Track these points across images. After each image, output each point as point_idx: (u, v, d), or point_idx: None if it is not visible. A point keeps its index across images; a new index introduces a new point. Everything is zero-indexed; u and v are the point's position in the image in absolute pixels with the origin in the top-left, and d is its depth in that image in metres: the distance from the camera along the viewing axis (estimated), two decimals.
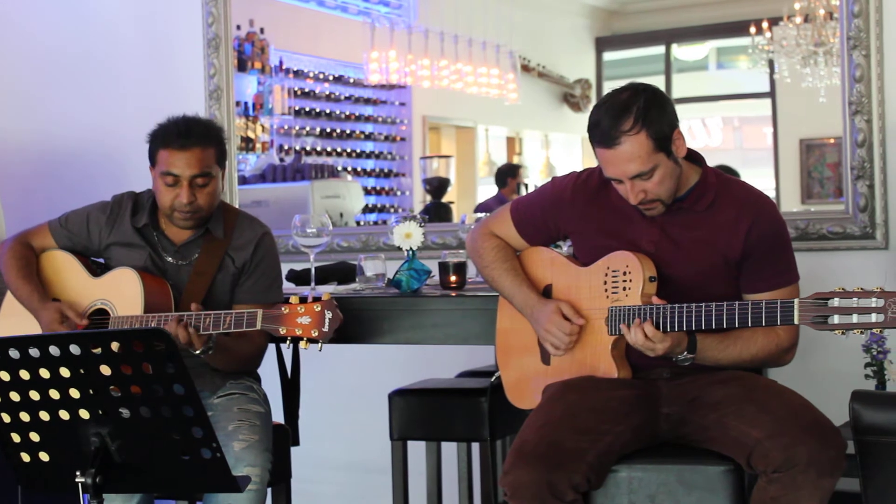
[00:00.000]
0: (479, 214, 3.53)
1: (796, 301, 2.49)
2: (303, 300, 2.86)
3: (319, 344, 2.85)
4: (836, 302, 2.45)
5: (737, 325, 2.59)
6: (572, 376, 2.80)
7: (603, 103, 2.70)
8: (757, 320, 2.55)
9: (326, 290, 3.45)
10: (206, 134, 3.12)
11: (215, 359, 3.04)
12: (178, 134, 3.09)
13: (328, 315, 2.83)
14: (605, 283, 2.78)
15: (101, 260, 3.29)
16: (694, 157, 2.81)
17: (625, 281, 2.74)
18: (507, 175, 6.95)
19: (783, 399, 2.62)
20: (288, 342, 2.88)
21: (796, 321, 2.49)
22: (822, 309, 2.46)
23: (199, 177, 3.08)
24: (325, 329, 2.83)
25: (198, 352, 2.95)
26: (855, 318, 2.43)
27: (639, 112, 2.63)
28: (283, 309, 2.86)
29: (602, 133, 2.66)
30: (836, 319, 2.44)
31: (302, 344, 2.85)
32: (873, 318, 2.41)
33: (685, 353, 2.67)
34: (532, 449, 2.57)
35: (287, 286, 3.71)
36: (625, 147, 2.63)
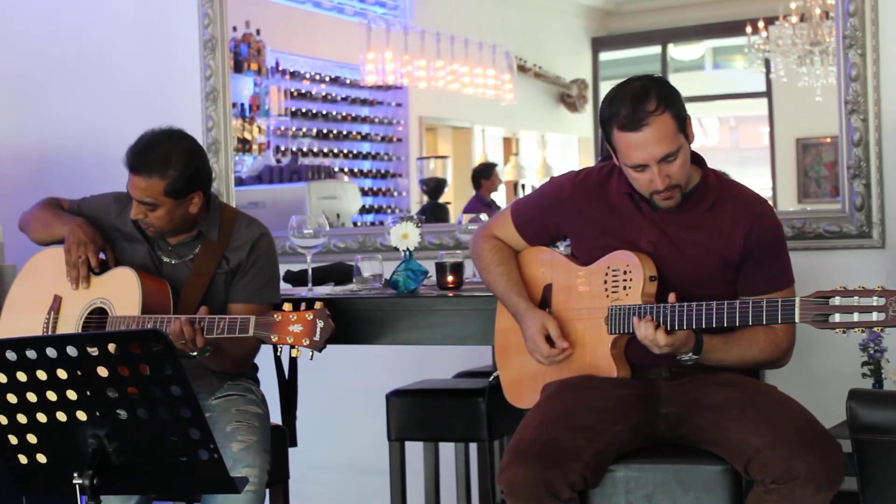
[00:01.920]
0: (468, 215, 3.53)
1: (798, 299, 2.49)
2: (295, 307, 2.86)
3: (311, 353, 2.85)
4: (836, 300, 2.44)
5: (737, 324, 2.59)
6: (571, 375, 2.80)
7: (616, 94, 2.69)
8: (758, 319, 2.54)
9: (323, 291, 3.46)
10: (153, 165, 3.03)
11: (211, 360, 3.04)
12: (133, 153, 3.07)
13: (320, 324, 2.82)
14: (606, 282, 2.78)
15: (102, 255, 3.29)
16: (695, 159, 2.81)
17: (625, 280, 2.74)
18: (481, 176, 6.92)
19: (785, 408, 2.61)
20: (279, 349, 2.88)
21: (797, 320, 2.49)
22: (823, 307, 2.46)
23: (143, 203, 3.08)
24: (317, 338, 2.82)
25: (195, 353, 2.95)
26: (856, 317, 2.42)
27: (659, 94, 2.65)
28: (275, 316, 2.85)
29: (626, 118, 2.64)
30: (837, 318, 2.44)
31: (293, 352, 2.85)
32: (874, 316, 2.41)
33: (690, 353, 2.66)
34: (528, 447, 2.56)
35: (284, 287, 3.71)
36: (652, 128, 2.63)
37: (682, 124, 2.67)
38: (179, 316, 2.94)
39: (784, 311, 2.50)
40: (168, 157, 3.03)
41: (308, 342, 2.82)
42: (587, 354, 2.80)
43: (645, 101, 2.63)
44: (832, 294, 2.46)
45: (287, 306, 2.86)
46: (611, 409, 2.66)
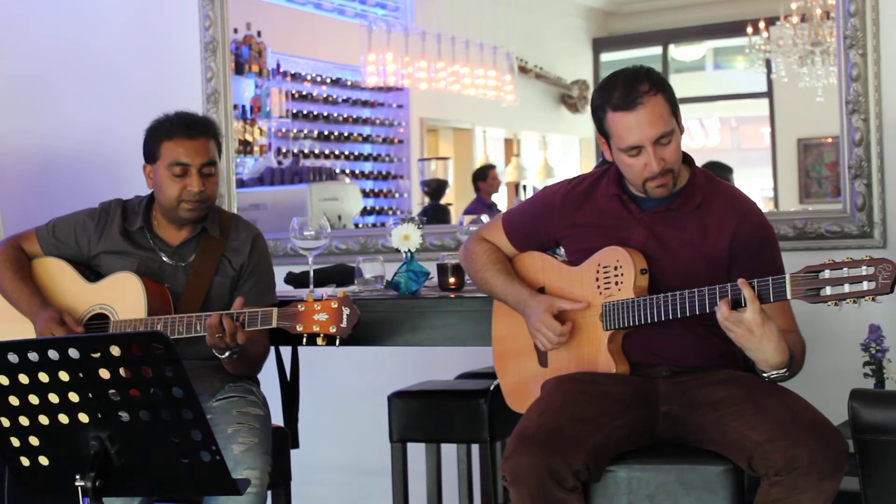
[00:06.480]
0: (470, 216, 3.53)
1: (788, 276, 2.48)
2: (317, 298, 2.87)
3: (337, 340, 2.85)
4: (826, 274, 2.44)
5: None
6: (570, 373, 2.81)
7: (607, 81, 2.73)
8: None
9: (325, 293, 3.46)
10: (209, 126, 3.20)
11: (234, 360, 3.03)
12: (184, 125, 3.13)
13: (346, 311, 2.84)
14: (598, 279, 2.78)
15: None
16: (684, 158, 2.81)
17: (616, 275, 2.75)
18: (478, 178, 6.92)
19: (783, 400, 2.60)
20: (304, 340, 2.88)
21: (789, 296, 2.47)
22: (814, 282, 2.45)
23: (207, 165, 3.12)
24: (344, 325, 2.84)
25: (226, 353, 2.95)
26: (847, 288, 2.42)
27: (651, 78, 2.69)
28: (299, 307, 2.86)
29: (619, 98, 2.67)
30: (828, 291, 2.43)
31: (319, 340, 2.86)
32: (864, 285, 2.40)
33: (784, 370, 2.59)
34: (533, 434, 2.56)
35: (286, 289, 3.72)
36: (646, 107, 2.66)
37: (675, 109, 2.70)
38: (211, 313, 2.93)
39: (775, 288, 2.48)
40: (208, 120, 3.25)
41: (335, 329, 2.83)
42: (585, 352, 2.80)
43: (638, 82, 2.68)
44: (821, 268, 2.45)
45: (309, 297, 2.87)
46: (611, 404, 2.66)
